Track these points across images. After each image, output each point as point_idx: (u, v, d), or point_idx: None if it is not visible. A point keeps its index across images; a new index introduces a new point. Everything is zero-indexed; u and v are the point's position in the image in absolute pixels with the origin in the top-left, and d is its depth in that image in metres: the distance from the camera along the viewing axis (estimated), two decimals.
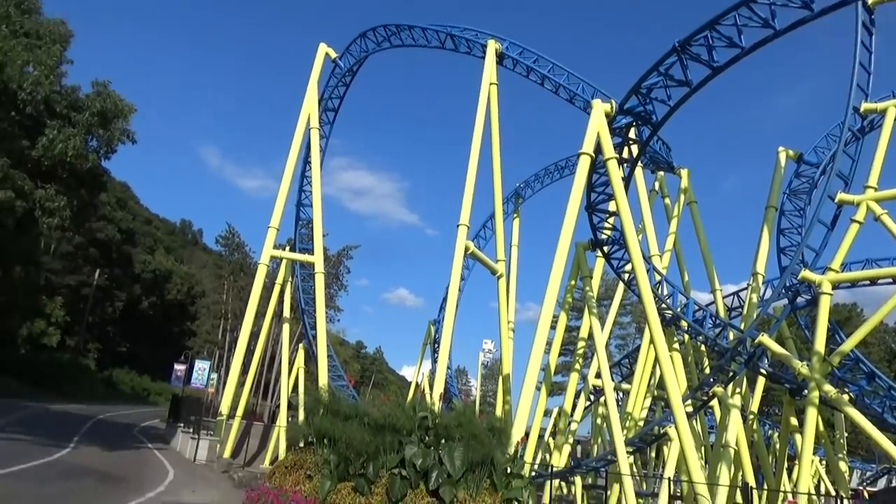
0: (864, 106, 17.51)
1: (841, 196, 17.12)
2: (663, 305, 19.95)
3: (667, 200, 26.99)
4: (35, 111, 18.46)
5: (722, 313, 23.08)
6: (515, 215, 32.76)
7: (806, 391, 17.40)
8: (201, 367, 28.40)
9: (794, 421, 21.94)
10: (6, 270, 21.32)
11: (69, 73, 20.14)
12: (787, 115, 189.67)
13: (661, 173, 26.80)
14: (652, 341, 19.07)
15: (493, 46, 22.54)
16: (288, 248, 31.74)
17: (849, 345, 19.14)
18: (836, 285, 18.07)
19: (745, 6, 12.63)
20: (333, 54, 28.06)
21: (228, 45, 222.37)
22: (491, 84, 22.26)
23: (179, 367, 30.59)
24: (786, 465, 23.97)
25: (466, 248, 20.80)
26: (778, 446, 26.65)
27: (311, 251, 27.83)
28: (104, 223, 57.48)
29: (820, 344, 16.70)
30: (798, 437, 20.49)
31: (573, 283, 22.12)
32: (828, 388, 16.78)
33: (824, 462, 29.56)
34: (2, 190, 16.93)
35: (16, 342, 46.61)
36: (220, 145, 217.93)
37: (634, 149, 17.42)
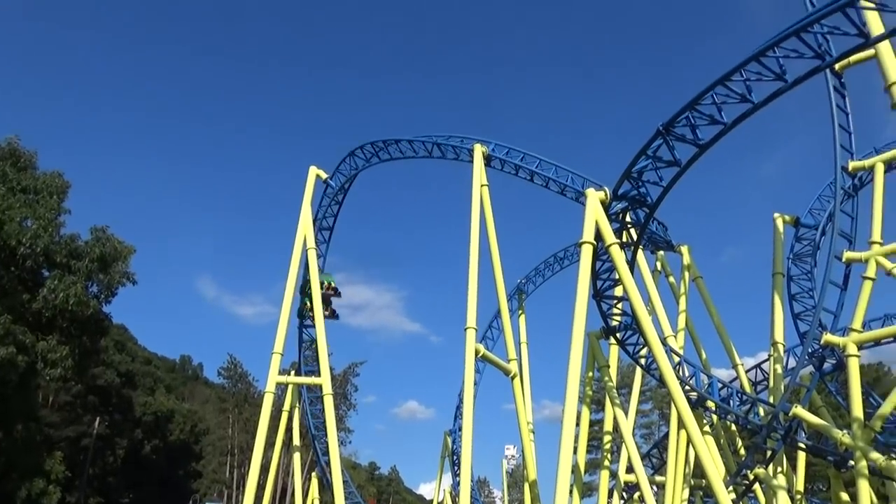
0: (852, 164, 17.93)
1: (848, 255, 17.17)
2: (686, 387, 19.46)
3: (671, 279, 26.98)
4: (35, 264, 18.72)
5: (748, 388, 22.50)
6: (521, 311, 32.60)
7: (852, 462, 16.68)
8: None
9: (844, 496, 20.85)
10: (7, 429, 20.80)
11: (67, 223, 20.61)
12: (771, 179, 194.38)
13: (661, 252, 26.97)
14: (682, 426, 18.46)
15: (479, 150, 23.24)
16: (293, 372, 31.30)
17: (888, 407, 18.50)
18: (860, 346, 17.76)
19: (720, 85, 13.17)
20: (324, 175, 28.89)
21: (220, 178, 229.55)
22: (482, 186, 22.78)
23: None
24: None
25: (477, 352, 20.52)
26: None
27: (317, 373, 27.38)
28: (103, 368, 56.83)
29: (857, 409, 16.18)
30: None
31: (591, 374, 21.68)
32: (875, 455, 16.08)
33: None
34: (3, 346, 16.82)
35: None
36: (216, 275, 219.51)
37: (634, 232, 17.63)
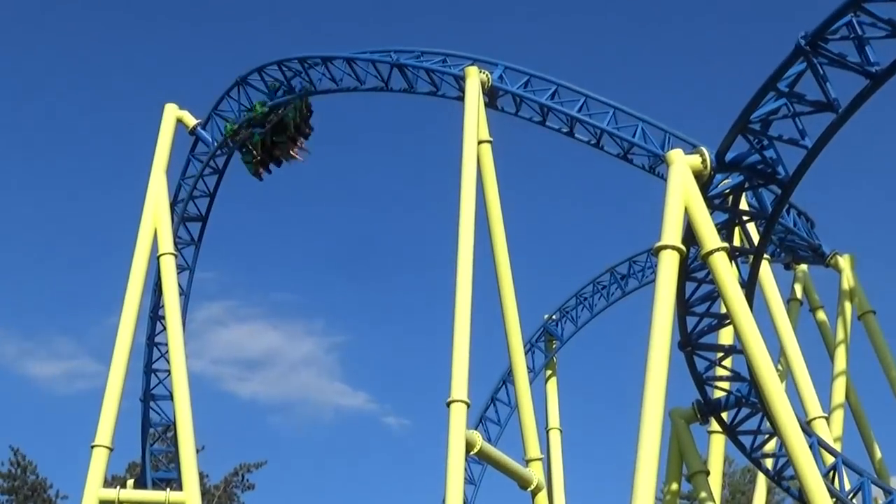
0: None
1: None
2: None
3: (820, 314, 27.16)
4: None
5: None
6: (550, 372, 32.72)
7: None
8: None
9: None
10: None
11: None
12: None
13: (804, 268, 27.11)
14: None
15: (475, 78, 23.04)
16: (132, 480, 31.15)
17: None
18: None
19: None
20: (192, 121, 28.94)
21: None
22: (480, 143, 22.74)
23: None
24: None
25: (470, 446, 20.49)
26: None
27: (175, 482, 27.29)
28: None
29: None
30: None
31: (675, 486, 21.81)
32: None
33: None
34: None
35: None
36: None
37: (754, 230, 17.70)
